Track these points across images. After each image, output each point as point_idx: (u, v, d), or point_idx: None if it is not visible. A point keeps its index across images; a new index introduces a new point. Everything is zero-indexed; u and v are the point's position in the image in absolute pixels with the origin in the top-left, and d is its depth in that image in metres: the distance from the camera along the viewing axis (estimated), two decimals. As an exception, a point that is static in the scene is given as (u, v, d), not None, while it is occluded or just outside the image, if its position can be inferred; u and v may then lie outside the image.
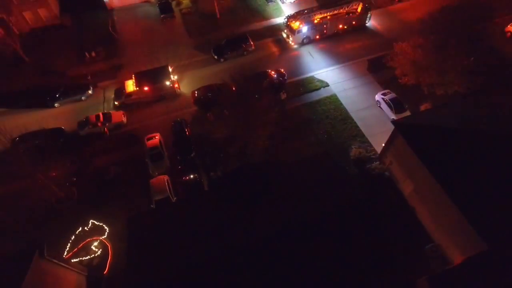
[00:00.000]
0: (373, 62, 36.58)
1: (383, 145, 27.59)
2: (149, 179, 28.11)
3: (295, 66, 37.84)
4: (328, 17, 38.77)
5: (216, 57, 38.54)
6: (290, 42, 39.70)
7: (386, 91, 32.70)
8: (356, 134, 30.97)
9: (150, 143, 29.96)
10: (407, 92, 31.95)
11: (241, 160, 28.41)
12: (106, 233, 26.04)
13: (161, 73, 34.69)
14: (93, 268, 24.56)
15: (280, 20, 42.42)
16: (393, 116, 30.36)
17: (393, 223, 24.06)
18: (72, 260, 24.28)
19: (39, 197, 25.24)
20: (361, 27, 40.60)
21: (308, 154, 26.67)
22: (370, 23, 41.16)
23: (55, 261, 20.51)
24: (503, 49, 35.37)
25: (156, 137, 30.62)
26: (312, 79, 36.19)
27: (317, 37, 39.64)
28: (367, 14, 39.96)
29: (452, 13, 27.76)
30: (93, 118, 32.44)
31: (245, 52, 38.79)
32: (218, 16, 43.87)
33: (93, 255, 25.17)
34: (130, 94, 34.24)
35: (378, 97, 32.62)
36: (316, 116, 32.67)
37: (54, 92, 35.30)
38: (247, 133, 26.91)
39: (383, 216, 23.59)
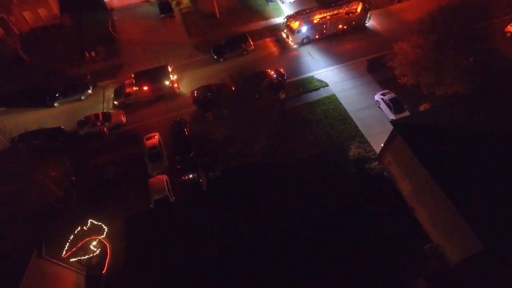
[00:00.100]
0: (373, 62, 36.53)
1: (382, 145, 27.58)
2: (148, 178, 28.12)
3: (294, 66, 37.84)
4: (328, 17, 38.79)
5: (215, 57, 38.56)
6: (290, 42, 39.71)
7: (385, 91, 32.67)
8: (355, 134, 30.95)
9: (149, 142, 29.98)
10: (407, 92, 31.94)
11: (240, 160, 28.42)
12: (105, 232, 26.06)
13: (161, 72, 34.71)
14: (91, 268, 24.57)
15: (279, 20, 42.42)
16: (392, 116, 30.34)
17: (391, 223, 24.05)
18: (71, 260, 24.28)
19: (38, 197, 25.19)
20: (360, 27, 40.61)
21: (307, 154, 26.64)
22: (370, 23, 41.16)
23: (53, 260, 20.54)
24: (503, 50, 35.33)
25: (155, 136, 30.64)
26: (311, 79, 36.19)
27: (317, 37, 39.65)
28: (367, 14, 39.96)
29: (452, 14, 27.68)
30: (92, 118, 32.50)
31: (244, 52, 38.81)
32: (218, 16, 43.91)
33: (91, 255, 25.18)
34: (130, 93, 34.27)
35: (377, 97, 32.60)
36: (315, 116, 32.66)
37: (53, 91, 35.36)
38: (246, 133, 26.89)
39: (382, 216, 23.62)
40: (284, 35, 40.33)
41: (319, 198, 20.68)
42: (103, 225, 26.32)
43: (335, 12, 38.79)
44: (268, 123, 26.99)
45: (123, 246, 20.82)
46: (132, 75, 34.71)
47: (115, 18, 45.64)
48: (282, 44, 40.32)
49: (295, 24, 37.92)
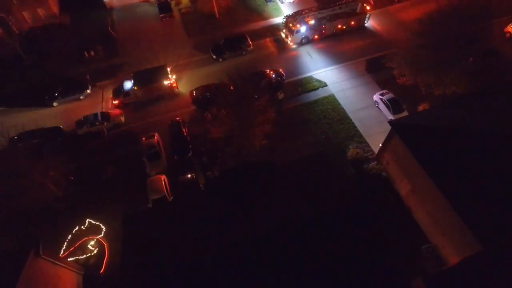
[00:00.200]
0: (372, 62, 36.48)
1: (380, 145, 27.56)
2: (147, 178, 28.11)
3: (293, 66, 37.82)
4: (327, 17, 38.75)
5: (214, 56, 38.56)
6: (289, 42, 39.69)
7: (384, 91, 32.64)
8: (353, 134, 30.92)
9: (147, 142, 29.99)
10: (405, 92, 31.91)
11: (238, 160, 28.41)
12: (102, 232, 26.07)
13: (160, 72, 34.69)
14: (89, 267, 24.60)
15: (279, 20, 42.38)
16: (391, 117, 30.27)
17: (389, 223, 24.04)
18: (69, 259, 24.31)
19: (36, 196, 25.21)
20: (360, 27, 40.58)
21: (306, 154, 26.62)
22: (369, 23, 41.12)
23: (51, 260, 20.56)
24: (502, 50, 35.26)
25: (154, 136, 30.64)
26: (310, 79, 36.17)
27: (316, 37, 39.64)
28: (366, 14, 39.94)
29: (451, 14, 27.68)
30: (91, 117, 32.48)
31: (243, 52, 38.81)
32: (217, 15, 43.89)
33: (89, 254, 25.21)
34: (128, 93, 34.28)
35: (376, 97, 32.58)
36: (314, 116, 32.64)
37: (52, 91, 35.37)
38: (244, 133, 26.90)
39: (380, 216, 23.64)
40: (283, 35, 40.31)
41: (317, 198, 20.66)
42: (101, 224, 26.34)
43: (335, 12, 38.70)
44: (267, 123, 26.97)
45: (121, 245, 20.79)
46: (132, 75, 34.72)
47: (114, 17, 45.66)
48: (281, 44, 40.30)
49: (294, 24, 37.88)
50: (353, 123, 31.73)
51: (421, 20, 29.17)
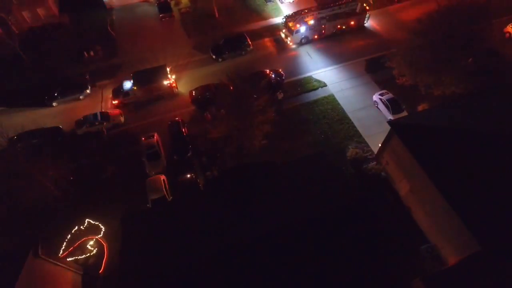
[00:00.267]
0: (371, 62, 36.55)
1: (380, 145, 27.56)
2: (146, 178, 28.11)
3: (293, 66, 37.83)
4: (327, 17, 38.73)
5: (214, 56, 38.56)
6: (289, 42, 39.69)
7: (383, 91, 32.64)
8: (353, 134, 30.93)
9: (147, 142, 30.00)
10: (405, 92, 31.93)
11: (238, 160, 28.42)
12: (102, 232, 26.07)
13: (159, 72, 34.70)
14: (88, 267, 24.59)
15: (278, 20, 42.36)
16: (390, 117, 30.29)
17: (388, 223, 24.03)
18: (68, 259, 24.31)
19: (36, 196, 25.21)
20: (359, 27, 40.58)
21: (305, 154, 26.62)
22: (369, 23, 41.12)
23: (50, 260, 20.55)
24: (502, 50, 35.26)
25: (153, 136, 30.64)
26: (310, 79, 36.17)
27: (316, 37, 39.63)
28: (366, 14, 39.93)
29: (450, 14, 27.69)
30: (90, 117, 32.48)
31: (243, 52, 38.79)
32: (216, 15, 43.89)
33: (88, 254, 25.20)
34: (128, 93, 34.28)
35: (375, 97, 32.58)
36: (313, 116, 32.64)
37: (52, 91, 35.36)
38: (244, 133, 26.90)
39: (379, 216, 23.61)
40: (283, 35, 40.30)
41: (316, 198, 20.66)
42: (100, 224, 26.32)
43: (334, 12, 38.70)
44: (266, 123, 26.98)
45: (120, 245, 20.78)
46: (131, 75, 34.72)
47: (114, 17, 45.65)
48: (280, 44, 40.30)
49: (294, 24, 37.87)
50: (352, 123, 31.74)
51: (421, 20, 29.20)
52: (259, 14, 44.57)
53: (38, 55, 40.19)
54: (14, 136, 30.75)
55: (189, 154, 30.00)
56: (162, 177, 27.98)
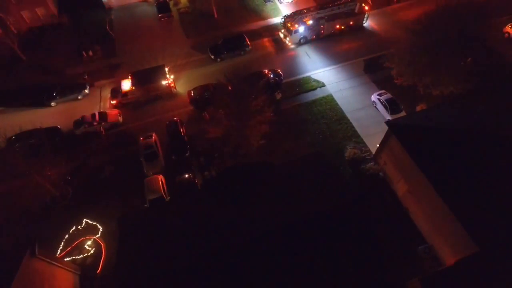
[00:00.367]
0: (370, 62, 36.53)
1: (378, 145, 27.53)
2: (144, 178, 28.08)
3: (291, 66, 37.81)
4: (326, 17, 38.72)
5: (213, 56, 38.53)
6: (287, 42, 39.67)
7: (382, 91, 32.63)
8: (351, 134, 30.91)
9: (145, 142, 29.96)
10: (403, 92, 31.92)
11: (236, 160, 28.39)
12: (99, 232, 26.04)
13: (158, 72, 34.68)
14: (86, 267, 24.56)
15: (277, 20, 42.35)
16: (388, 117, 30.28)
17: (386, 223, 24.03)
18: (65, 259, 24.27)
19: (33, 196, 25.20)
20: (358, 27, 40.56)
21: (303, 154, 26.62)
22: (367, 23, 41.11)
23: (47, 259, 20.51)
24: (501, 50, 35.21)
25: (151, 136, 30.61)
26: (308, 79, 36.16)
27: (314, 37, 39.60)
28: (364, 14, 39.90)
29: (450, 14, 27.65)
30: (89, 117, 32.45)
31: (242, 52, 38.77)
32: (215, 15, 43.89)
33: (86, 254, 25.15)
34: (126, 93, 34.26)
35: (374, 97, 32.55)
36: (312, 116, 32.62)
37: (50, 91, 35.33)
38: (242, 133, 26.87)
39: (377, 217, 23.62)
40: (281, 35, 40.29)
41: (314, 199, 20.64)
42: (98, 224, 26.30)
43: (333, 12, 38.68)
44: (264, 123, 26.95)
45: (118, 245, 20.75)
46: (130, 75, 34.71)
47: (112, 17, 45.63)
48: (279, 44, 40.29)
49: (292, 24, 37.85)
50: (350, 123, 31.72)
51: (420, 20, 29.16)
52: (258, 14, 44.56)
53: (37, 55, 40.11)
54: (12, 136, 30.72)
55: (187, 154, 29.98)
56: (160, 177, 27.94)
